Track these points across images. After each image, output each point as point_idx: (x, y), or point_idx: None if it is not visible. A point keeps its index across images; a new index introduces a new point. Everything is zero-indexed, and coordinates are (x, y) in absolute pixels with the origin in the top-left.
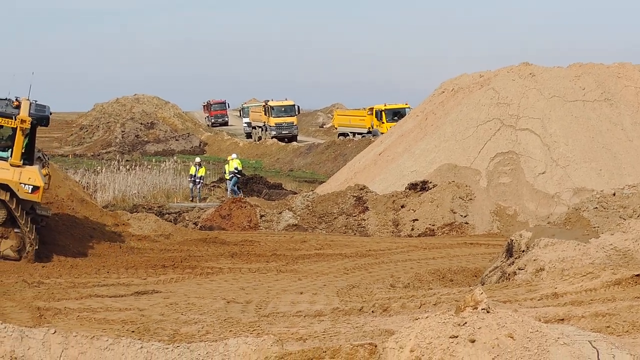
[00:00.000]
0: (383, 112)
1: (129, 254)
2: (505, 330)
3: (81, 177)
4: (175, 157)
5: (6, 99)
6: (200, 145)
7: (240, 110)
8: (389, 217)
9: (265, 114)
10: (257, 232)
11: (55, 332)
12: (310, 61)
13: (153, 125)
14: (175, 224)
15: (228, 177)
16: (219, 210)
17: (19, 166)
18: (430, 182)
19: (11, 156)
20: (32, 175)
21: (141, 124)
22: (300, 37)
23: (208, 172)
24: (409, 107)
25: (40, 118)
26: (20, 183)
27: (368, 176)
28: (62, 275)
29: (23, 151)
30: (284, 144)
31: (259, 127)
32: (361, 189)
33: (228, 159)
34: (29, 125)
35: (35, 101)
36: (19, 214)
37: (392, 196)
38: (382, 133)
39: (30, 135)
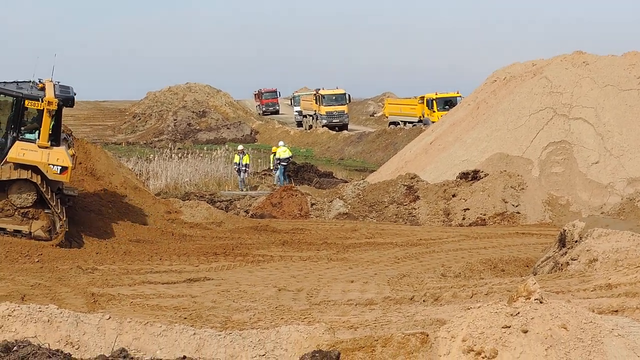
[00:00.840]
0: (434, 101)
1: (181, 241)
2: (559, 320)
3: (134, 164)
4: (226, 146)
5: (30, 81)
6: (251, 133)
7: (291, 99)
8: (440, 206)
9: (316, 103)
10: (308, 220)
11: (109, 317)
12: (361, 50)
13: (205, 114)
14: (227, 212)
15: (272, 167)
16: (270, 198)
17: (46, 147)
18: (482, 172)
19: (39, 138)
20: (60, 156)
21: (193, 112)
22: (352, 25)
23: (259, 160)
24: (460, 96)
25: (66, 99)
26: (49, 164)
27: (419, 165)
28: (115, 262)
29: (50, 132)
30: (334, 132)
31: (310, 115)
32: (412, 177)
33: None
34: (56, 107)
35: (58, 82)
36: (49, 195)
37: (443, 185)
38: (433, 122)
39: (57, 117)
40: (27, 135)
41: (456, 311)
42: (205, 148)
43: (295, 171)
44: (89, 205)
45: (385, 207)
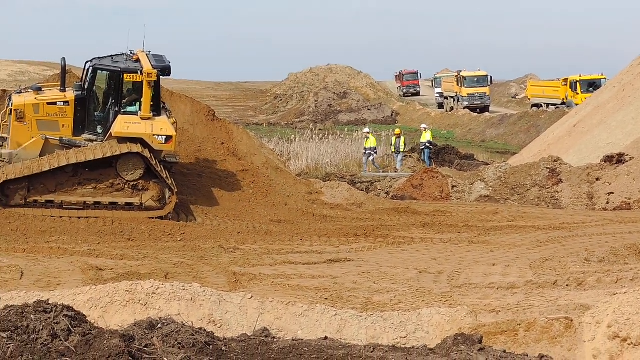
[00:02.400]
0: (578, 83)
1: (322, 222)
2: None
3: (275, 145)
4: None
5: (123, 54)
6: (392, 115)
7: (432, 81)
8: (583, 189)
9: (457, 85)
10: (449, 202)
11: (252, 297)
12: (503, 31)
13: (346, 95)
14: (367, 193)
15: (393, 151)
16: (411, 180)
17: (149, 119)
18: (627, 155)
19: (140, 110)
20: (164, 125)
21: (334, 93)
22: (493, 7)
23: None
24: (605, 78)
25: (164, 68)
26: (154, 135)
27: (562, 148)
28: (256, 242)
29: (151, 103)
30: (476, 114)
31: (451, 97)
32: (555, 160)
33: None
34: (156, 78)
35: (150, 52)
36: (156, 166)
37: (586, 168)
38: (576, 104)
39: (156, 87)
40: (129, 109)
41: (601, 296)
42: (346, 129)
43: (436, 153)
44: (231, 185)
45: (527, 190)
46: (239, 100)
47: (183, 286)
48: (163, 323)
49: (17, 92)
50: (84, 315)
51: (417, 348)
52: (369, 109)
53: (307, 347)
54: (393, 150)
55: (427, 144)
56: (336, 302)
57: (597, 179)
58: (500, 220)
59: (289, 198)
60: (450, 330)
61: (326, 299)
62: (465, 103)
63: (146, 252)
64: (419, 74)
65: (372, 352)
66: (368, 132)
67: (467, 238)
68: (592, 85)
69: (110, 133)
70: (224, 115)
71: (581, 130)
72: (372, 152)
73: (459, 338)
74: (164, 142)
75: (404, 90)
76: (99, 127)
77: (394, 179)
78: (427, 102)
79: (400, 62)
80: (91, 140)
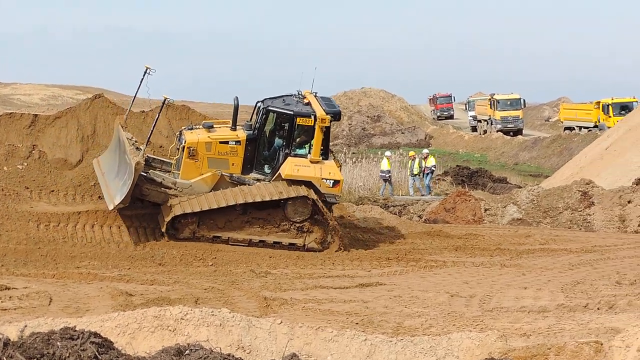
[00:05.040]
0: (610, 106)
1: (354, 246)
2: None
3: None
4: (401, 150)
5: (292, 95)
6: (425, 138)
7: (465, 104)
8: (615, 212)
9: (490, 108)
10: (481, 225)
11: (281, 322)
12: (534, 54)
13: (379, 118)
14: (400, 217)
15: (417, 173)
16: (443, 203)
17: (318, 162)
18: None
19: (309, 153)
20: (332, 169)
21: (368, 117)
22: (525, 29)
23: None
24: (636, 101)
25: (335, 114)
26: (322, 179)
27: (594, 171)
28: (288, 266)
29: (321, 147)
30: (509, 137)
31: (485, 120)
32: (587, 183)
33: (411, 155)
34: (328, 123)
35: (316, 93)
36: (324, 209)
37: (618, 191)
38: (609, 127)
39: (326, 131)
40: (298, 151)
41: (632, 320)
42: (379, 153)
43: (469, 176)
44: None
45: (560, 212)
46: None
47: (212, 311)
48: (191, 349)
49: (189, 129)
50: (112, 341)
51: None
52: (402, 132)
53: None
54: (409, 173)
55: (433, 168)
56: (367, 326)
57: (629, 202)
58: (533, 243)
59: None
60: (480, 354)
61: (357, 323)
62: (499, 126)
63: (177, 277)
64: (452, 97)
65: None
66: (387, 156)
67: (499, 261)
68: (625, 108)
69: (279, 174)
70: None
71: (613, 153)
72: (387, 175)
73: None
74: (331, 185)
75: (438, 114)
76: (266, 166)
77: (426, 202)
78: (460, 125)
79: (434, 86)
80: (258, 180)
